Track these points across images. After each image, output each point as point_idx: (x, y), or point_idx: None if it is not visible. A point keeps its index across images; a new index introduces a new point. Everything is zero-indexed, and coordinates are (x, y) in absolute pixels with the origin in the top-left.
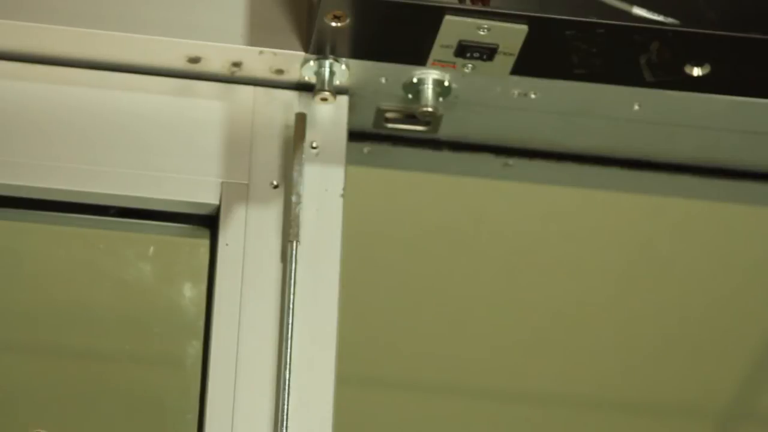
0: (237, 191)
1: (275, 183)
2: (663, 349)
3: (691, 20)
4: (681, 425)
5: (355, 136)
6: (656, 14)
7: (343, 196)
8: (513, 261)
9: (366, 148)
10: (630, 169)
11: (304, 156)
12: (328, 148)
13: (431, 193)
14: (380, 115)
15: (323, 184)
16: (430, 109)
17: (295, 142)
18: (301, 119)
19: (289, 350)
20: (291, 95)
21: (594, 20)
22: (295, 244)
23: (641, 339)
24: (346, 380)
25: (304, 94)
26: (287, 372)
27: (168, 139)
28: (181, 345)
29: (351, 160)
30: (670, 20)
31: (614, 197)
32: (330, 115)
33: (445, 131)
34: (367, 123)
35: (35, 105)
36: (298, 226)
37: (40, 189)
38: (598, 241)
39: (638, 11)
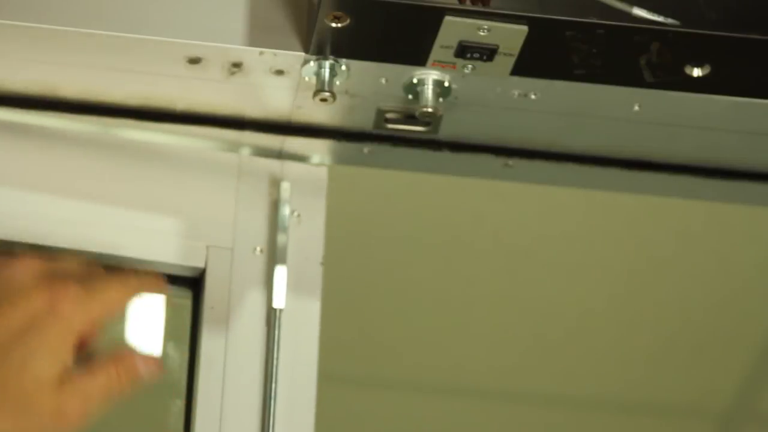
0: (222, 256)
1: (259, 249)
2: (663, 349)
3: (691, 21)
4: (681, 425)
5: (355, 136)
6: (656, 15)
7: (323, 264)
8: (513, 261)
9: (366, 148)
10: (630, 169)
11: (287, 223)
12: (309, 217)
13: (431, 193)
14: (380, 116)
15: (303, 252)
16: (430, 110)
17: (278, 210)
18: (284, 189)
19: (272, 412)
20: (275, 164)
21: (594, 21)
22: (278, 311)
23: (642, 339)
24: (346, 381)
25: (288, 163)
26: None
27: (154, 204)
28: (163, 403)
29: (351, 160)
30: (670, 21)
31: (614, 197)
32: (311, 184)
33: (445, 132)
34: (367, 124)
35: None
36: (280, 293)
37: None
38: (598, 241)
39: (638, 12)
